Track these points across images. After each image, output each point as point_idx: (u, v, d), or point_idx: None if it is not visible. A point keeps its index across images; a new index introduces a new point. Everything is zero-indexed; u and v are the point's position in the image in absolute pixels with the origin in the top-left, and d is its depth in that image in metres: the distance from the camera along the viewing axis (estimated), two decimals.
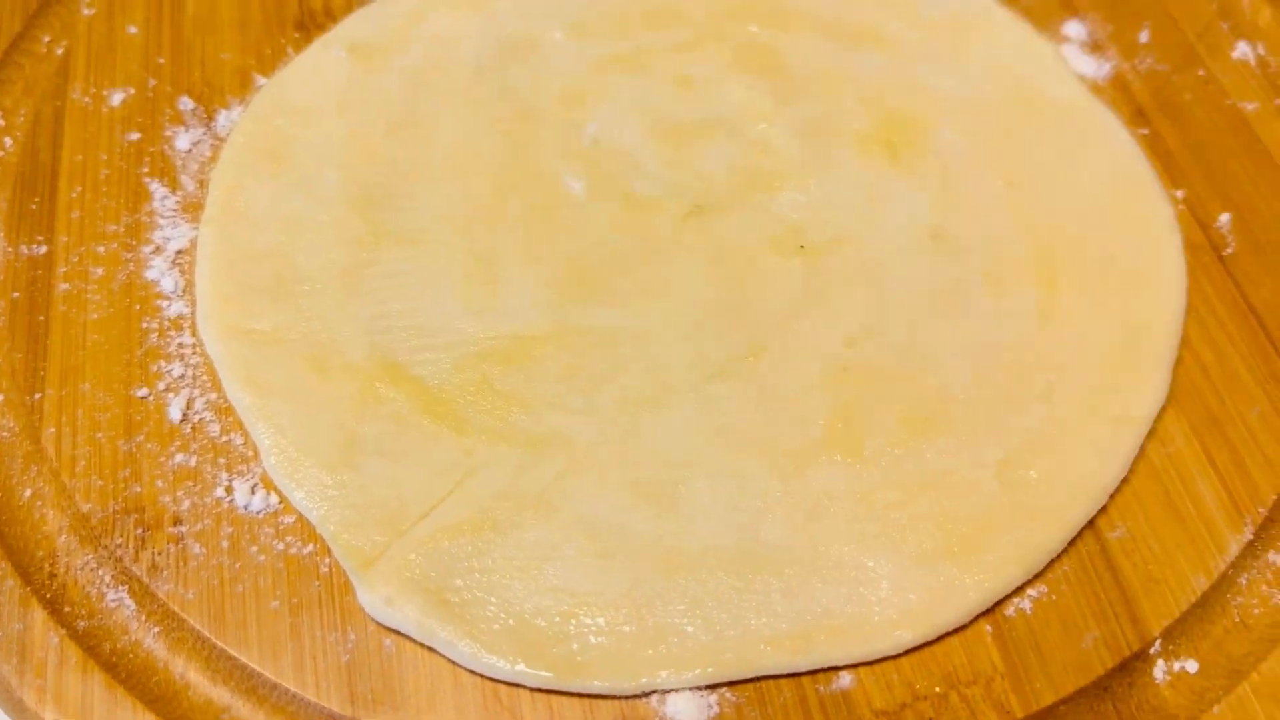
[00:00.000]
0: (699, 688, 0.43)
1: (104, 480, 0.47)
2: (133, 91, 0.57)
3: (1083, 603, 0.46)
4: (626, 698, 0.43)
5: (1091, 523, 0.47)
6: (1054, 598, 0.46)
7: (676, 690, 0.43)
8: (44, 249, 0.53)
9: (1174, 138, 0.58)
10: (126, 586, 0.45)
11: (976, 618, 0.45)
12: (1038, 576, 0.46)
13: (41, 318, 0.51)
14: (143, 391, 0.49)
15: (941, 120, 0.57)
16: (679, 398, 0.48)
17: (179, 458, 0.48)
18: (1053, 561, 0.46)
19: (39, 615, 0.44)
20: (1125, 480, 0.48)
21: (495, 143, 0.55)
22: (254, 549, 0.46)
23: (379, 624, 0.44)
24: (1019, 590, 0.46)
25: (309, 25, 0.60)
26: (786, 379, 0.49)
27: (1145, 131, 0.58)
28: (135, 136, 0.56)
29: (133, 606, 0.45)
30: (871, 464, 0.47)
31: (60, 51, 0.59)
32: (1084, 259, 0.53)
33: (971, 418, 0.48)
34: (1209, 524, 0.48)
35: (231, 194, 0.53)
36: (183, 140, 0.56)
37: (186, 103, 0.57)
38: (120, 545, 0.46)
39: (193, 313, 0.51)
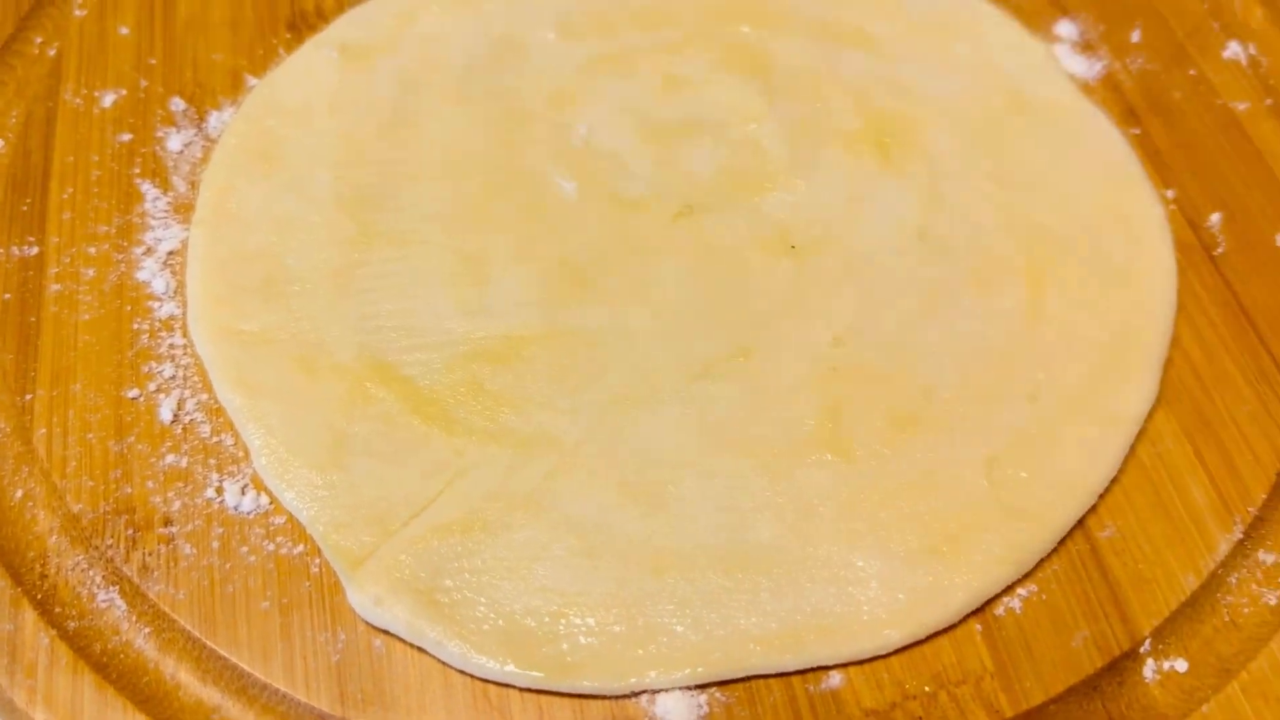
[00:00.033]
0: (688, 687, 0.43)
1: (95, 481, 0.47)
2: (124, 92, 0.58)
3: (1072, 602, 0.46)
4: (616, 698, 0.43)
5: (1081, 522, 0.47)
6: (1044, 597, 0.46)
7: (666, 690, 0.43)
8: (35, 250, 0.53)
9: (1165, 137, 0.58)
10: (117, 587, 0.45)
11: (966, 617, 0.45)
12: (1027, 576, 0.46)
13: (33, 319, 0.51)
14: (134, 392, 0.49)
15: (931, 120, 0.57)
16: (668, 398, 0.48)
17: (170, 458, 0.48)
18: (1042, 561, 0.46)
19: (29, 616, 0.45)
20: (1115, 479, 0.48)
21: (486, 143, 0.55)
22: (244, 549, 0.46)
23: (369, 624, 0.44)
24: (1009, 589, 0.46)
25: (300, 26, 0.60)
26: (775, 379, 0.49)
27: (1136, 131, 0.58)
28: (127, 137, 0.56)
29: (123, 607, 0.45)
30: (860, 463, 0.47)
31: (52, 52, 0.59)
32: (1074, 258, 0.53)
33: (961, 417, 0.48)
34: (1199, 523, 0.48)
35: (223, 195, 0.54)
36: (174, 141, 0.56)
37: (178, 104, 0.57)
38: (111, 546, 0.46)
39: (184, 314, 0.51)
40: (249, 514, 0.47)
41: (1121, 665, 0.45)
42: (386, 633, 0.44)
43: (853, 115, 0.57)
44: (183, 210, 0.54)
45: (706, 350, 0.50)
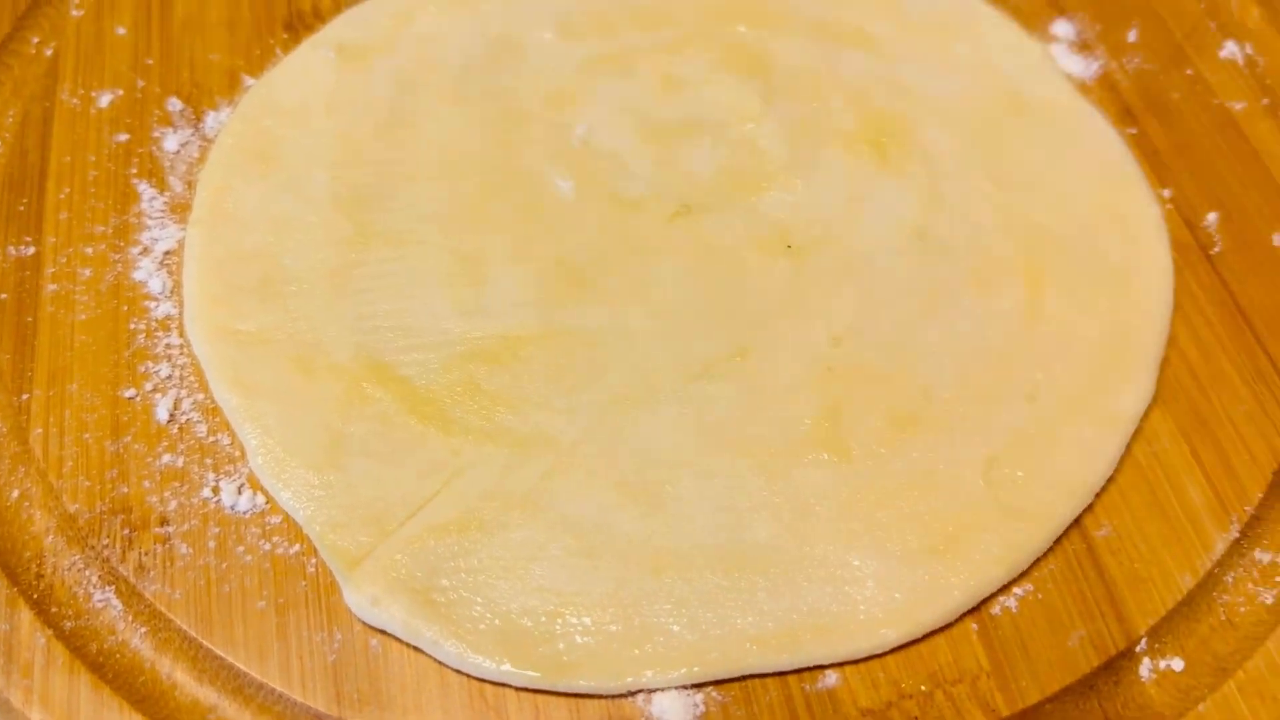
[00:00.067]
0: (685, 687, 0.43)
1: (91, 481, 0.47)
2: (121, 93, 0.58)
3: (1069, 601, 0.46)
4: (612, 697, 0.43)
5: (1078, 521, 0.47)
6: (1040, 596, 0.46)
7: (662, 689, 0.43)
8: (32, 250, 0.53)
9: (1162, 137, 0.58)
10: (113, 587, 0.45)
11: (962, 616, 0.45)
12: (1024, 575, 0.46)
13: (29, 319, 0.51)
14: (130, 392, 0.49)
15: (929, 120, 0.57)
16: (666, 397, 0.48)
17: (166, 458, 0.48)
18: (1039, 560, 0.46)
19: (26, 615, 0.45)
20: (1111, 479, 0.48)
21: (483, 143, 0.55)
22: (240, 549, 0.46)
23: (365, 624, 0.44)
24: (1005, 589, 0.46)
25: (297, 26, 0.60)
26: (773, 378, 0.49)
27: (1133, 131, 0.58)
28: (123, 138, 0.56)
29: (119, 607, 0.45)
30: (858, 463, 0.47)
31: (49, 53, 0.59)
32: (1071, 258, 0.53)
33: (958, 417, 0.48)
34: (1195, 522, 0.48)
35: (219, 195, 0.54)
36: (171, 141, 0.56)
37: (175, 104, 0.57)
38: (107, 545, 0.46)
39: (180, 314, 0.51)
40: (245, 514, 0.47)
41: (1118, 664, 0.45)
42: (383, 632, 0.44)
43: (851, 115, 0.57)
44: (179, 210, 0.54)
45: (705, 350, 0.50)
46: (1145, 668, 0.44)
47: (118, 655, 0.44)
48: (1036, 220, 0.54)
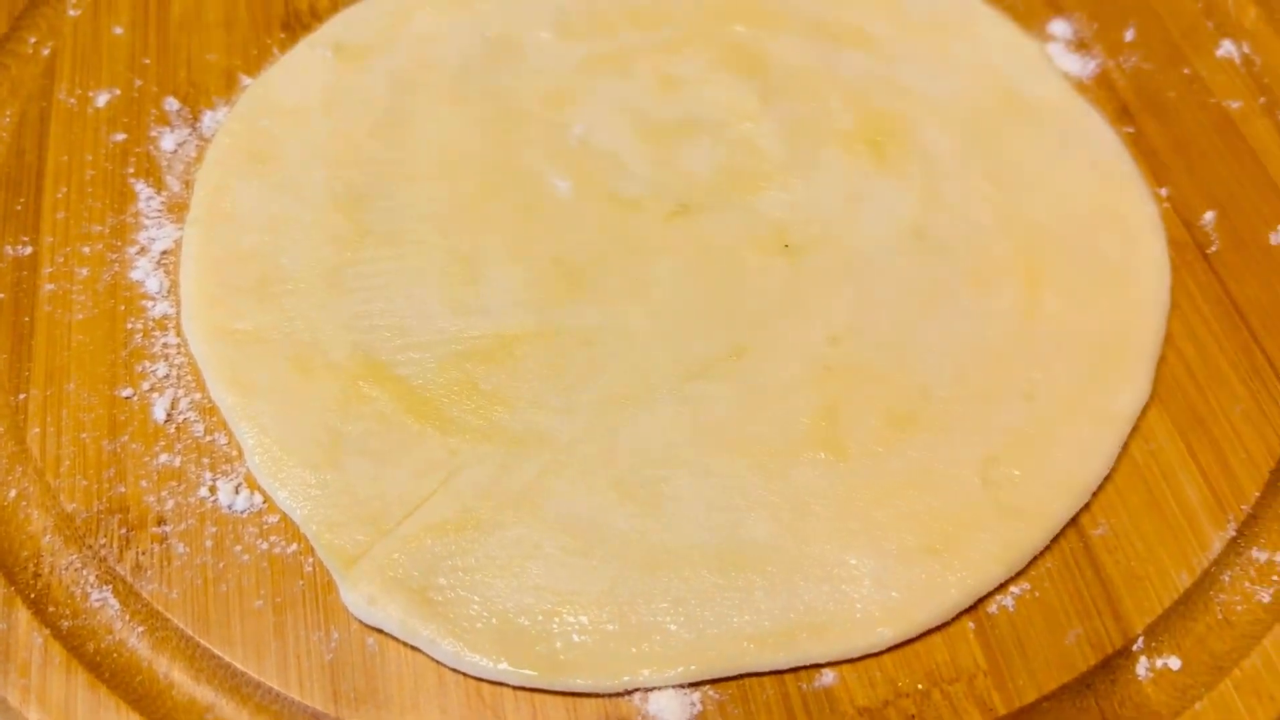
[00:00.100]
0: (682, 686, 0.43)
1: (88, 480, 0.47)
2: (118, 92, 0.58)
3: (1066, 600, 0.46)
4: (609, 696, 0.43)
5: (1075, 520, 0.47)
6: (1037, 595, 0.46)
7: (659, 688, 0.43)
8: (29, 249, 0.53)
9: (1159, 136, 0.58)
10: (110, 586, 0.45)
11: (959, 615, 0.45)
12: (1021, 574, 0.46)
13: (26, 318, 0.51)
14: (127, 392, 0.49)
15: (926, 119, 0.57)
16: (662, 397, 0.48)
17: (163, 458, 0.48)
18: (1036, 559, 0.46)
19: (23, 615, 0.44)
20: (1108, 477, 0.48)
21: (480, 142, 0.55)
22: (238, 548, 0.46)
23: (362, 623, 0.44)
24: (1002, 587, 0.46)
25: (295, 25, 0.60)
26: (770, 378, 0.49)
27: (1130, 130, 0.58)
28: (120, 137, 0.56)
29: (117, 606, 0.45)
30: (855, 462, 0.47)
31: (46, 52, 0.59)
32: (1068, 257, 0.53)
33: (955, 416, 0.48)
34: (1192, 521, 0.48)
35: (216, 194, 0.54)
36: (168, 141, 0.56)
37: (172, 103, 0.57)
38: (104, 545, 0.46)
39: (177, 313, 0.51)
40: (242, 513, 0.47)
41: (1114, 663, 0.45)
42: (380, 631, 0.44)
43: (849, 115, 0.57)
44: (177, 210, 0.54)
45: (702, 349, 0.50)
46: (1142, 666, 0.44)
47: (115, 654, 0.44)
48: (1034, 219, 0.54)
